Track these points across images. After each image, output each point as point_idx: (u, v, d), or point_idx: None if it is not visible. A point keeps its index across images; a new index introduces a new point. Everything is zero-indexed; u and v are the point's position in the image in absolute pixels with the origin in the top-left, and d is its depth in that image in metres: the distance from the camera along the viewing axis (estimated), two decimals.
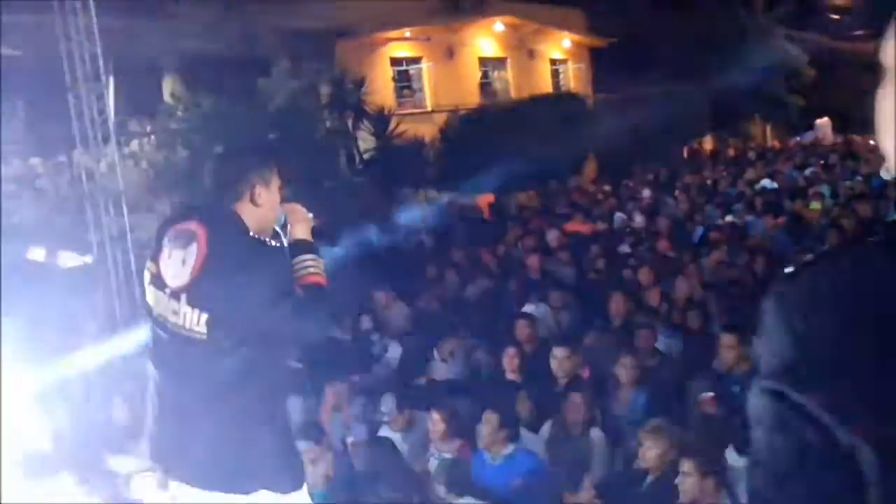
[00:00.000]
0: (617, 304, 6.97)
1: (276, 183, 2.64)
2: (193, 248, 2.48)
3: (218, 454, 2.47)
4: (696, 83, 22.16)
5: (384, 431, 5.36)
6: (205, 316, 2.43)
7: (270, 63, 14.61)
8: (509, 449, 4.66)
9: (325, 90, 15.97)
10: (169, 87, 15.69)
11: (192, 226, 2.53)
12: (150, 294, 2.58)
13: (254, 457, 2.47)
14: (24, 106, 16.76)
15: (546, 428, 5.13)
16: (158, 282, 2.54)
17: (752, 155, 22.22)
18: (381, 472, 4.77)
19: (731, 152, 24.92)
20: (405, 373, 6.45)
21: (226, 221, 2.55)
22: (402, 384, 6.08)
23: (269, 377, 2.54)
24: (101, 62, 9.30)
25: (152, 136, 13.75)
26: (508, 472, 4.54)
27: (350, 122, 15.57)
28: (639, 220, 12.16)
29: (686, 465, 3.74)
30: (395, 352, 6.81)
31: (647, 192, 15.38)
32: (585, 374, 5.96)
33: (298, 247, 2.62)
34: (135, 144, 14.07)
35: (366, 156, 15.66)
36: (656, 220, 11.71)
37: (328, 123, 15.29)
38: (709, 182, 17.02)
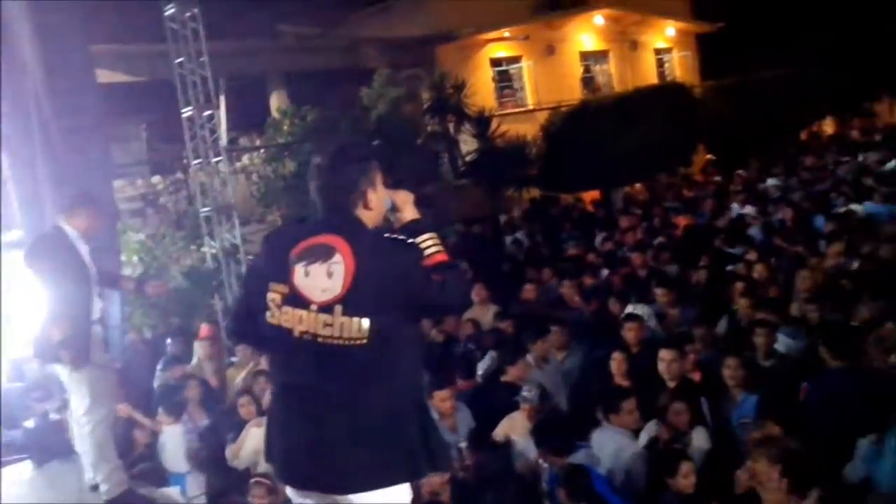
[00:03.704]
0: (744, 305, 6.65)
1: (380, 180, 2.70)
2: (338, 259, 2.53)
3: (368, 453, 2.53)
4: (812, 63, 21.00)
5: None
6: (366, 321, 2.49)
7: (372, 73, 14.90)
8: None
9: (426, 95, 16.16)
10: (275, 102, 16.25)
11: (326, 239, 2.58)
12: (287, 316, 2.58)
13: (405, 445, 2.57)
14: (145, 129, 17.84)
15: (649, 429, 4.97)
16: (298, 301, 2.56)
17: (878, 136, 20.83)
18: (493, 478, 4.76)
19: (854, 134, 23.47)
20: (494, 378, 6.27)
21: (358, 228, 2.62)
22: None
23: (415, 364, 2.70)
24: (210, 85, 9.72)
25: (261, 150, 14.27)
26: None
27: (451, 126, 15.66)
28: (752, 210, 11.62)
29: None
30: (488, 357, 6.66)
31: (763, 182, 14.68)
32: (696, 376, 5.75)
33: (412, 229, 2.73)
34: (245, 159, 14.66)
35: (468, 158, 15.71)
36: (772, 211, 11.17)
37: (429, 128, 15.43)
38: (829, 167, 16.08)
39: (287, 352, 2.62)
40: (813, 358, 5.22)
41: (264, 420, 5.68)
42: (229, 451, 5.76)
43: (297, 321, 2.57)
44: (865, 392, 4.47)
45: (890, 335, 5.24)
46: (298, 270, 2.57)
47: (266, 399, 5.63)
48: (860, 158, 15.85)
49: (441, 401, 5.41)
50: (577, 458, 4.67)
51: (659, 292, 7.42)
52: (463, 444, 5.27)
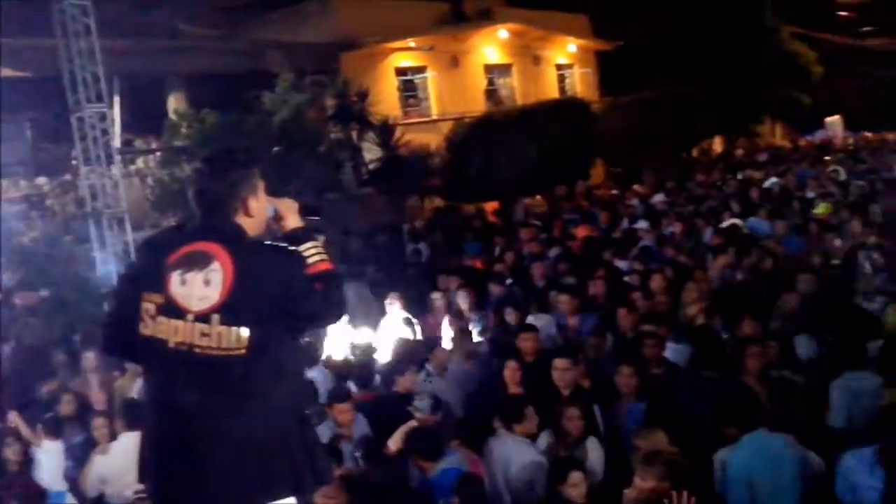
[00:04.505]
0: (623, 315, 6.88)
1: (262, 188, 2.64)
2: (216, 266, 2.45)
3: (249, 468, 2.45)
4: (704, 84, 22.01)
5: None
6: (245, 331, 2.41)
7: (275, 77, 14.65)
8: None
9: (329, 102, 16.01)
10: (174, 104, 15.77)
11: (204, 246, 2.50)
12: (162, 326, 2.47)
13: (287, 460, 2.49)
14: (29, 127, 16.94)
15: (544, 437, 5.06)
16: (173, 311, 2.46)
17: (761, 156, 22.03)
18: (384, 489, 4.73)
19: (739, 153, 24.75)
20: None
21: (238, 235, 2.56)
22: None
23: (296, 377, 2.65)
24: (102, 83, 9.35)
25: (157, 154, 13.80)
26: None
27: (355, 134, 15.57)
28: (645, 224, 12.04)
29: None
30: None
31: (656, 196, 15.26)
32: (586, 384, 5.89)
33: (296, 237, 2.67)
34: (140, 162, 14.15)
35: (371, 166, 15.66)
36: (665, 225, 11.61)
37: (333, 135, 15.29)
38: (718, 183, 16.87)
39: (162, 364, 2.52)
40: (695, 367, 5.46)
41: (112, 446, 5.48)
42: (81, 477, 5.50)
43: (172, 332, 2.47)
44: (728, 401, 4.69)
45: (770, 350, 5.52)
46: (174, 279, 2.47)
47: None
48: (742, 176, 16.74)
49: (340, 413, 5.38)
50: (451, 462, 4.70)
51: (562, 299, 7.56)
52: (358, 455, 5.25)
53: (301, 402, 2.72)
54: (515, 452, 4.93)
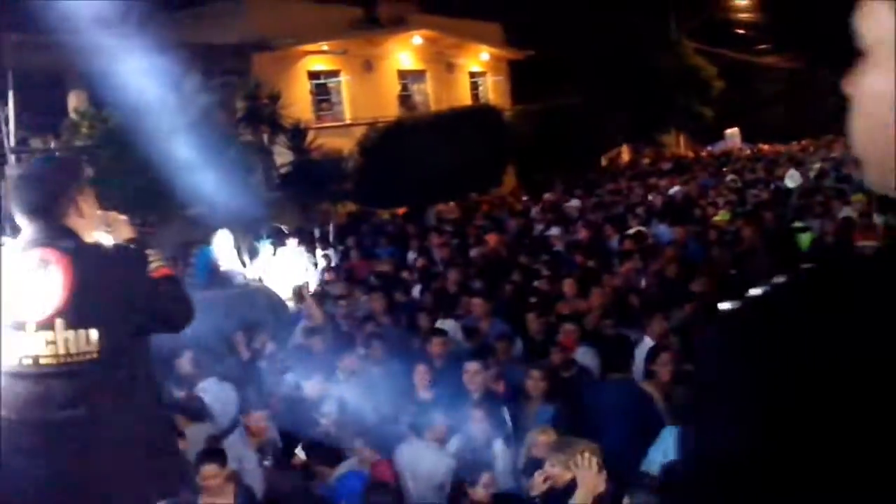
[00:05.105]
0: (532, 318, 7.00)
1: (89, 192, 2.60)
2: (53, 270, 2.36)
3: (115, 476, 2.36)
4: (612, 95, 22.69)
5: None
6: (94, 332, 2.33)
7: (182, 78, 14.24)
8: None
9: (240, 105, 15.69)
10: (74, 102, 15.13)
11: (37, 254, 2.40)
12: (7, 342, 2.34)
13: (151, 466, 2.42)
14: None
15: (454, 441, 5.09)
16: (14, 324, 2.35)
17: (665, 165, 22.81)
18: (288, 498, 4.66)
19: (645, 162, 25.58)
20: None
21: (72, 237, 2.47)
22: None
23: (151, 380, 2.57)
24: None
25: (56, 154, 13.20)
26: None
27: (266, 137, 15.32)
28: (557, 231, 12.28)
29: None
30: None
31: (568, 203, 15.59)
32: (500, 387, 5.95)
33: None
34: None
35: (282, 170, 15.42)
36: (575, 231, 11.86)
37: (242, 138, 14.98)
38: (624, 191, 17.38)
39: (8, 383, 2.38)
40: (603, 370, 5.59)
41: None
42: None
43: (15, 346, 2.36)
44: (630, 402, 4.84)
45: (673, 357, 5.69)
46: (12, 291, 2.36)
47: None
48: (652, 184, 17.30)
49: (256, 421, 5.29)
50: (350, 465, 4.68)
51: (475, 302, 7.61)
52: (267, 463, 5.16)
53: (157, 405, 2.66)
54: (425, 456, 4.94)
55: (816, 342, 0.64)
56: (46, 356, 2.33)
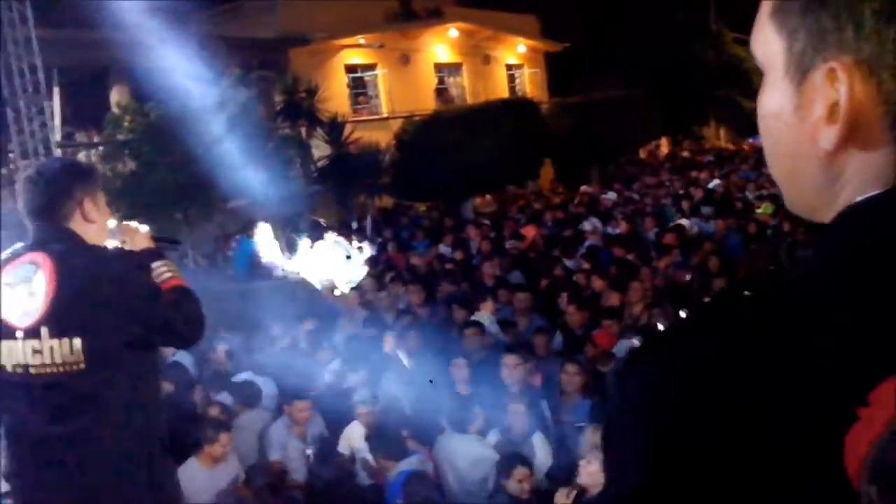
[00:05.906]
0: (572, 312, 6.94)
1: (102, 198, 2.51)
2: (40, 276, 2.27)
3: (104, 494, 2.30)
4: (651, 87, 22.40)
5: None
6: (77, 341, 2.22)
7: (222, 72, 14.38)
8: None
9: (277, 99, 15.81)
10: (116, 97, 15.38)
11: (30, 257, 2.34)
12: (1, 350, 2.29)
13: (140, 486, 2.32)
14: None
15: (493, 434, 5.07)
16: (5, 331, 2.29)
17: (705, 157, 22.48)
18: (332, 489, 4.69)
19: (685, 154, 25.23)
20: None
21: (66, 239, 2.37)
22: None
23: (148, 391, 2.41)
24: (40, 74, 9.06)
25: (99, 148, 13.44)
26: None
27: (303, 130, 15.42)
28: (596, 224, 12.17)
29: None
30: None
31: (604, 196, 15.45)
32: (537, 381, 5.92)
33: (146, 257, 2.54)
34: (81, 156, 13.75)
35: (320, 164, 15.51)
36: (613, 225, 11.75)
37: (281, 132, 15.11)
38: (665, 184, 17.16)
39: (4, 393, 2.32)
40: None
41: None
42: None
43: (6, 355, 2.29)
44: None
45: None
46: (3, 297, 2.30)
47: None
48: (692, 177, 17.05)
49: (300, 411, 5.36)
50: (411, 463, 4.68)
51: (519, 297, 7.57)
52: (310, 453, 5.21)
53: (153, 420, 2.45)
54: (465, 449, 4.93)
55: (707, 387, 0.62)
56: (35, 365, 2.24)
